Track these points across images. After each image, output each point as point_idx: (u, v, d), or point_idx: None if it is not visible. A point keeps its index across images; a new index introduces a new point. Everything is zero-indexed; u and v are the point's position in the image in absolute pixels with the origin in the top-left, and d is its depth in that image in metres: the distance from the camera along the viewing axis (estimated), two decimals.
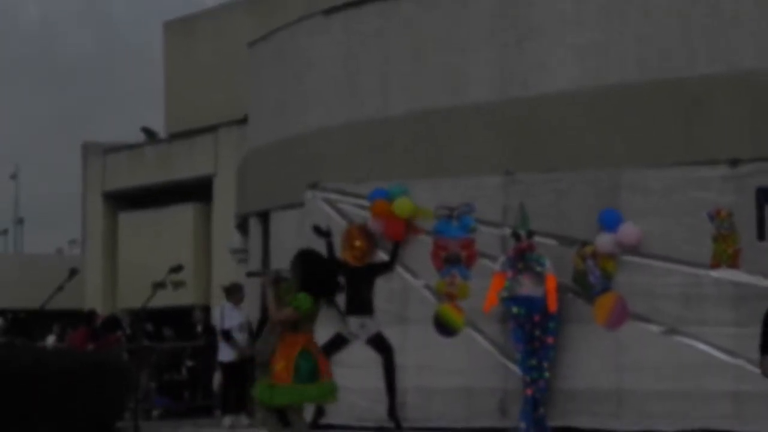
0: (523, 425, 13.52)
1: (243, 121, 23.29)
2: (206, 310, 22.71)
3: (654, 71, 14.58)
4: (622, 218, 13.51)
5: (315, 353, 9.90)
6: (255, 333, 16.52)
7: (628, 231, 13.47)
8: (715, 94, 14.23)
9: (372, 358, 14.46)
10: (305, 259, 10.12)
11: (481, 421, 13.94)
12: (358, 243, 14.67)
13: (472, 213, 14.31)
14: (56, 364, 11.42)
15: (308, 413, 13.68)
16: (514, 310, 13.67)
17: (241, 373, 16.71)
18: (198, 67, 30.59)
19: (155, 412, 19.75)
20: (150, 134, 34.05)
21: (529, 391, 13.56)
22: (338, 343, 14.45)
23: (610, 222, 13.55)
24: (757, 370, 12.49)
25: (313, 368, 9.82)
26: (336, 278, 10.60)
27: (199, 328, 20.44)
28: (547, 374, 13.59)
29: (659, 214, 13.51)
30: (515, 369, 13.78)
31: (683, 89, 14.37)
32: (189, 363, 20.09)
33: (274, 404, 9.87)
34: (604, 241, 13.52)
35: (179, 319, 24.44)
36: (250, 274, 15.64)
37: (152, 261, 25.76)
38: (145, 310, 15.13)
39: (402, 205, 14.45)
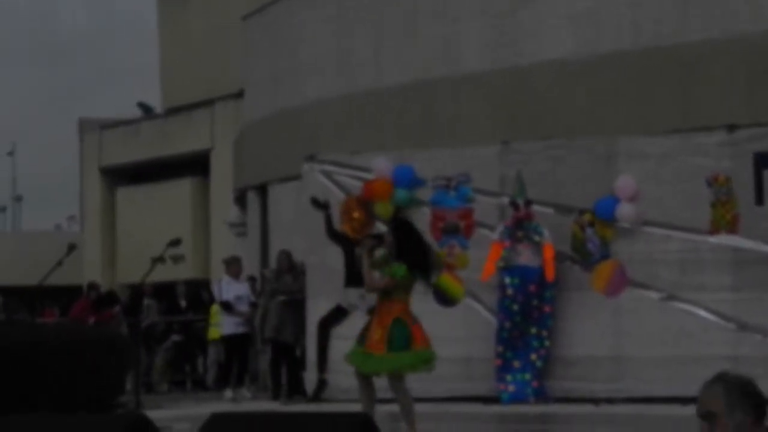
0: (516, 392, 13.60)
1: (239, 95, 23.23)
2: (194, 285, 22.61)
3: (649, 38, 14.55)
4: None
5: (409, 322, 9.94)
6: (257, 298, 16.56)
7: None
8: (710, 60, 14.20)
9: None
10: (404, 229, 10.22)
11: (481, 389, 13.96)
12: (356, 214, 14.64)
13: (469, 183, 14.27)
14: (55, 340, 11.41)
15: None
16: (507, 280, 13.67)
17: (242, 346, 16.70)
18: (193, 41, 30.45)
19: (164, 386, 19.70)
20: (146, 109, 33.97)
21: (498, 362, 13.62)
22: (338, 314, 14.47)
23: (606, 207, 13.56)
24: (756, 335, 12.57)
25: (408, 336, 9.88)
26: (428, 251, 10.50)
27: (183, 303, 20.34)
28: (547, 342, 13.63)
29: (656, 180, 13.50)
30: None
31: (678, 55, 14.34)
32: (176, 338, 20.00)
33: (368, 372, 9.95)
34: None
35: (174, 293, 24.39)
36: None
37: (151, 236, 25.72)
38: (144, 284, 15.13)
39: (383, 210, 14.30)
